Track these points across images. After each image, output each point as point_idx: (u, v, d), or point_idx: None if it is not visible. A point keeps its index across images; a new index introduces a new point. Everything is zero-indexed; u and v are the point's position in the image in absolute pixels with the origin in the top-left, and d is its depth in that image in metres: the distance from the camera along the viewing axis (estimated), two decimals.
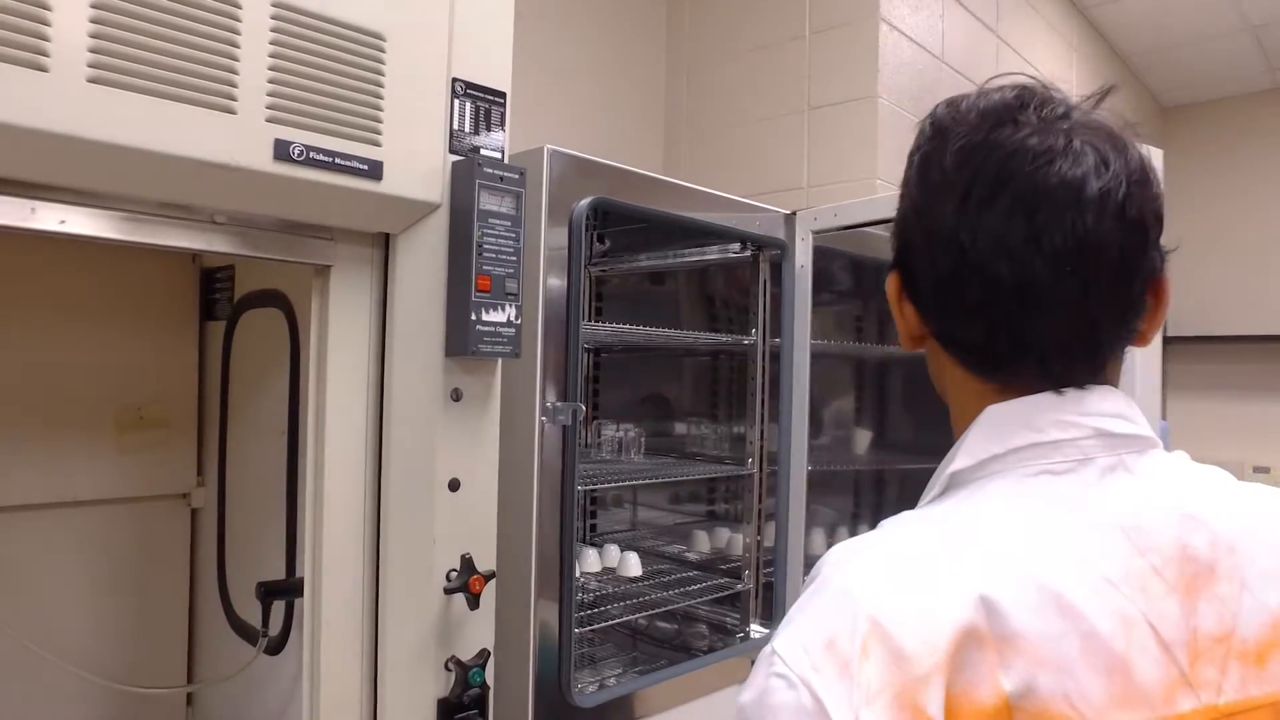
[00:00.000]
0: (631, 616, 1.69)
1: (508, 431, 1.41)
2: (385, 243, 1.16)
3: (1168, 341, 4.32)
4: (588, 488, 1.62)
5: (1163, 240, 0.66)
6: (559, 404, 1.39)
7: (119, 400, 1.52)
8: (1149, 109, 4.30)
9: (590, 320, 2.17)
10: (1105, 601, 0.55)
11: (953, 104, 0.66)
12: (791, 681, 0.53)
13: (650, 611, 1.75)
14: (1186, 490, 0.62)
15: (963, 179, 0.61)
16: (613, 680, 1.66)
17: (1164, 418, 4.31)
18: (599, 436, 2.06)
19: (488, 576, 1.14)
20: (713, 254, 1.97)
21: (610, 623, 1.70)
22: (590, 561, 1.87)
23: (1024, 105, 0.63)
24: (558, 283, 1.40)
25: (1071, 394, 0.62)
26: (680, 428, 2.22)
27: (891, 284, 0.70)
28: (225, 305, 1.58)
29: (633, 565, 1.87)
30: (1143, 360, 1.44)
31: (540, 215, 1.38)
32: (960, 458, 0.64)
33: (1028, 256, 0.59)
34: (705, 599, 1.83)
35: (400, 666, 1.13)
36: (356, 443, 1.14)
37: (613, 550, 1.86)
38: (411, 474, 1.14)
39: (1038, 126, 0.61)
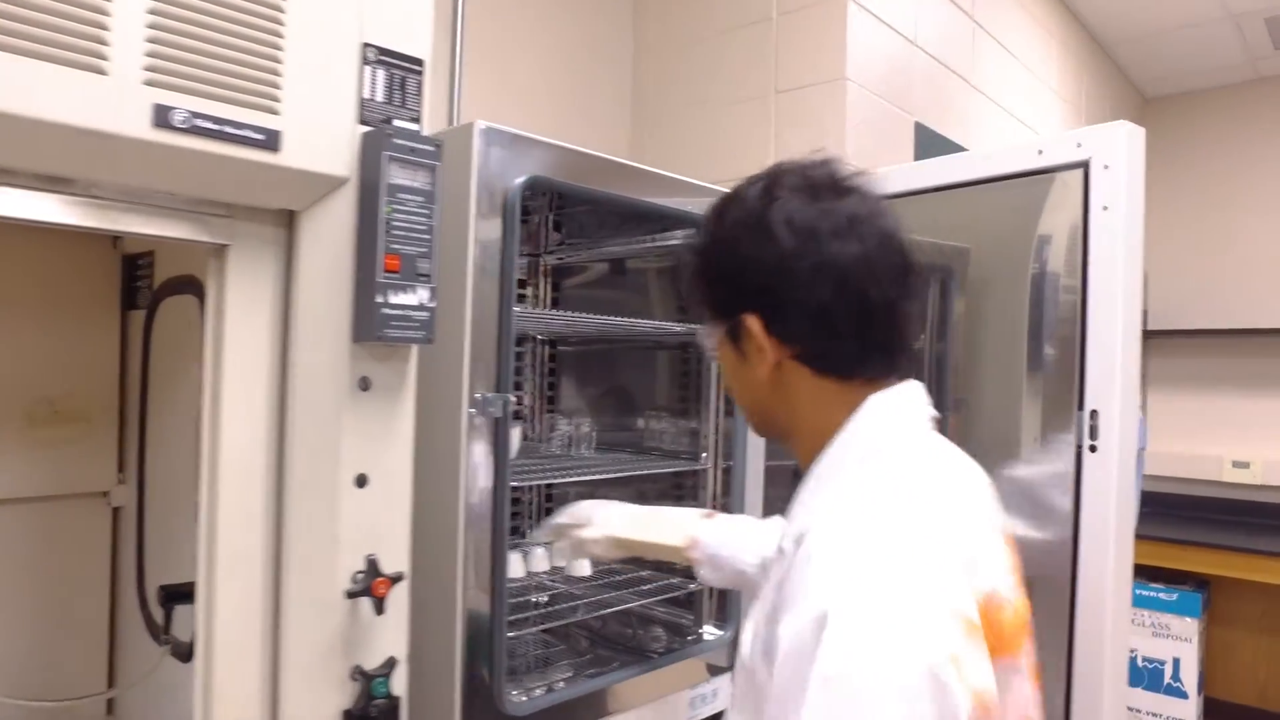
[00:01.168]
0: (576, 619, 1.62)
1: (433, 424, 1.34)
2: (291, 220, 1.08)
3: (1147, 335, 4.27)
4: (524, 483, 1.54)
5: None
6: (489, 395, 1.31)
7: (32, 393, 1.43)
8: (1131, 100, 4.24)
9: (545, 309, 2.09)
10: (995, 522, 0.85)
11: (792, 173, 0.86)
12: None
13: (599, 613, 1.68)
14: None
15: (828, 227, 0.81)
16: (561, 684, 1.59)
17: (1143, 412, 4.27)
18: (552, 431, 1.99)
19: (394, 579, 1.06)
20: (676, 241, 1.89)
21: (552, 625, 1.63)
22: (538, 561, 1.80)
23: (845, 176, 0.86)
24: (491, 267, 1.33)
25: (914, 381, 0.88)
26: (641, 422, 2.14)
27: (754, 324, 0.84)
28: (146, 293, 1.50)
29: (583, 565, 1.79)
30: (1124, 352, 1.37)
31: (469, 196, 1.30)
32: (865, 437, 0.84)
33: (885, 282, 0.82)
34: (657, 599, 1.75)
35: (302, 676, 1.05)
36: (256, 435, 1.06)
37: (563, 551, 1.79)
38: (315, 469, 1.06)
39: (860, 190, 0.85)
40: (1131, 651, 3.88)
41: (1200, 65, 3.95)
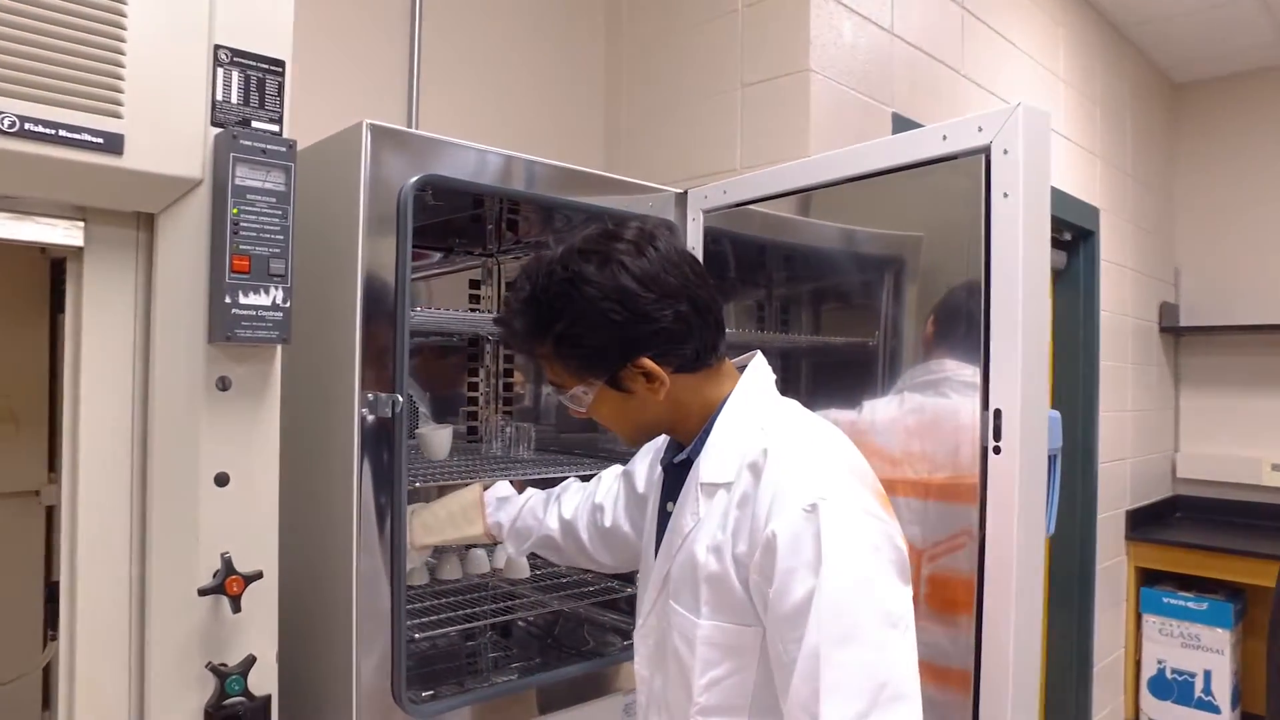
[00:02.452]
0: (499, 620, 1.61)
1: (329, 425, 1.34)
2: (150, 222, 1.09)
3: (1179, 332, 4.08)
4: (428, 484, 1.53)
5: None
6: (380, 395, 1.30)
7: None
8: (1158, 85, 4.06)
9: (498, 311, 2.08)
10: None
11: (605, 239, 1.06)
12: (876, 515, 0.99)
13: (525, 615, 1.67)
14: None
15: (659, 268, 1.04)
16: (485, 686, 1.57)
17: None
18: (502, 433, 1.98)
19: (250, 578, 1.06)
20: None
21: (469, 626, 1.62)
22: (479, 563, 1.79)
23: (644, 229, 1.09)
24: (385, 266, 1.32)
25: (759, 358, 1.18)
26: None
27: (648, 364, 1.05)
28: None
29: (520, 567, 1.78)
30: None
31: (359, 195, 1.29)
32: (761, 392, 1.13)
33: (704, 282, 1.09)
34: (587, 602, 1.73)
35: (165, 673, 1.06)
36: (120, 437, 1.07)
37: (502, 552, 1.78)
38: (175, 468, 1.07)
39: (656, 232, 1.09)
40: (1159, 663, 3.71)
41: (1227, 49, 3.76)
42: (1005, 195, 1.18)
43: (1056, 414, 1.25)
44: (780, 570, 0.95)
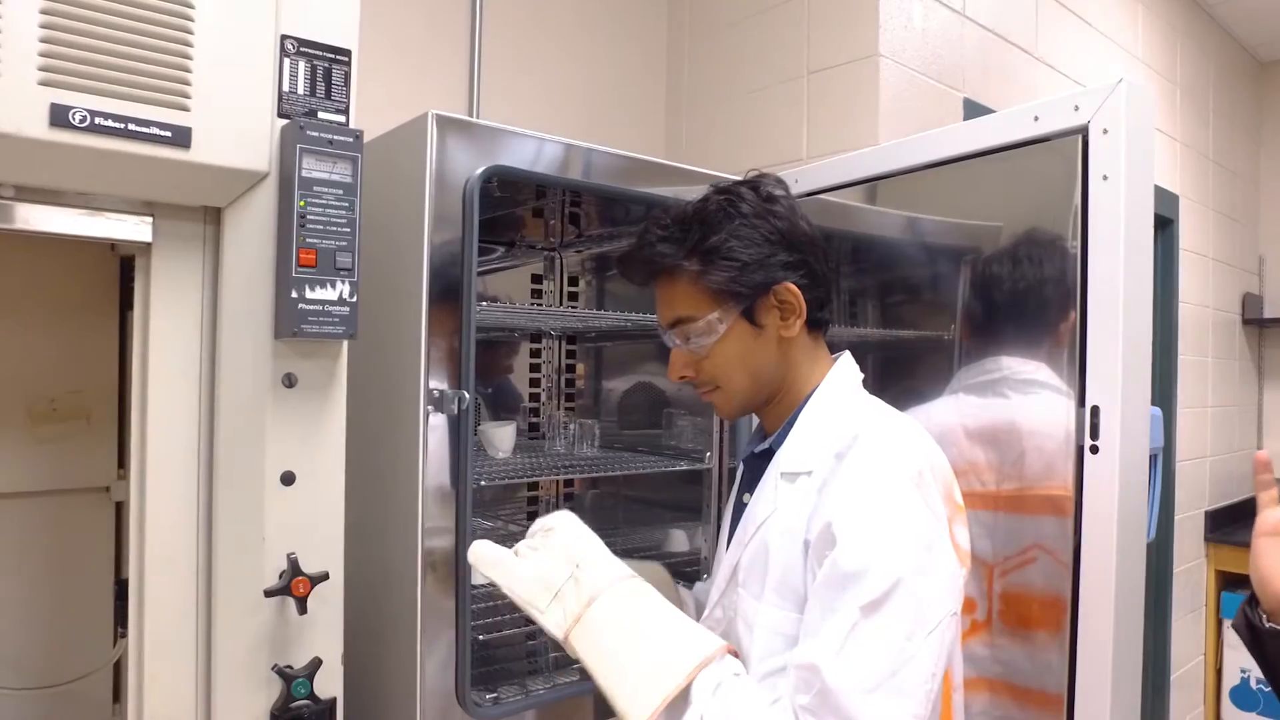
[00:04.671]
0: None
1: (394, 422, 1.32)
2: (217, 216, 1.07)
3: (1264, 324, 3.90)
4: (492, 482, 1.50)
5: None
6: (447, 392, 1.28)
7: (34, 392, 1.49)
8: (1243, 64, 3.87)
9: (560, 305, 2.06)
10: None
11: (773, 188, 1.10)
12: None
13: None
14: None
15: (797, 213, 1.08)
16: (543, 690, 1.54)
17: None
18: (566, 429, 1.95)
19: (316, 579, 1.04)
20: None
21: (530, 627, 1.58)
22: None
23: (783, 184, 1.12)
24: (451, 259, 1.29)
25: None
26: (662, 420, 2.07)
27: (791, 289, 1.04)
28: None
29: None
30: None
31: (425, 188, 1.27)
32: (851, 383, 1.11)
33: (829, 274, 1.11)
34: None
35: (232, 675, 1.05)
36: (187, 434, 1.06)
37: None
38: (242, 468, 1.06)
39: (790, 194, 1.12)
40: (1243, 672, 3.55)
41: None
42: (1105, 178, 1.10)
43: (1158, 410, 1.17)
44: (839, 545, 0.92)
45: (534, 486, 2.07)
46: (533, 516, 2.08)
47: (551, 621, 0.94)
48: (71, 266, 1.53)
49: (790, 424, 1.09)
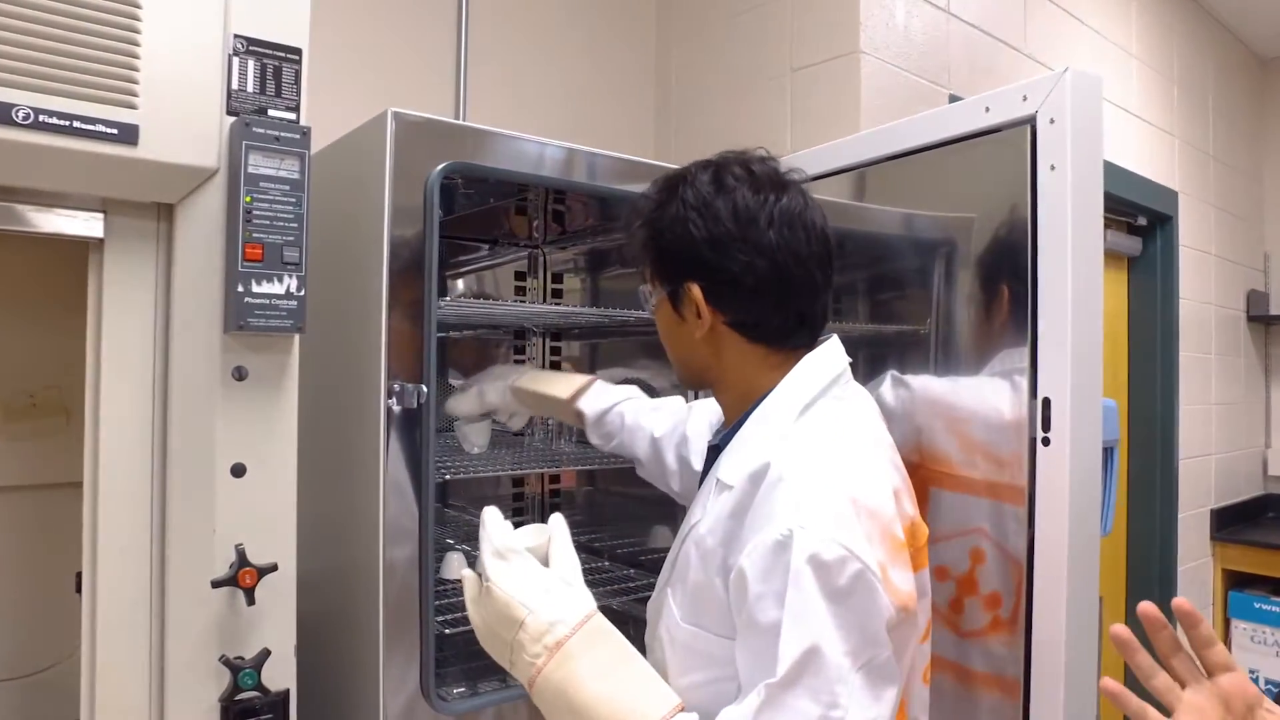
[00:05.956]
0: None
1: (356, 416, 1.33)
2: (170, 213, 1.09)
3: (1269, 321, 3.85)
4: (457, 475, 1.51)
5: None
6: (406, 385, 1.29)
7: (11, 387, 1.52)
8: (1244, 61, 3.82)
9: (544, 302, 2.07)
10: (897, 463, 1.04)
11: (738, 164, 1.04)
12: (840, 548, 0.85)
13: None
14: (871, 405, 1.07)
15: (764, 216, 0.98)
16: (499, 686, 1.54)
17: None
18: (545, 425, 1.96)
19: (264, 570, 1.05)
20: None
21: None
22: None
23: (784, 172, 1.05)
24: (413, 254, 1.31)
25: (830, 344, 1.05)
26: None
27: (695, 292, 1.00)
28: None
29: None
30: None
31: (384, 184, 1.28)
32: (797, 392, 0.99)
33: (811, 268, 1.00)
34: (630, 598, 1.69)
35: (183, 666, 1.06)
36: (140, 427, 1.08)
37: None
38: (193, 460, 1.07)
39: (795, 186, 1.03)
40: (1252, 672, 3.49)
41: None
42: (1052, 168, 1.10)
43: (1112, 403, 1.16)
44: (750, 596, 0.86)
45: (519, 483, 2.08)
46: (518, 513, 2.09)
47: (520, 674, 0.95)
48: (50, 262, 1.55)
49: (739, 424, 1.04)
